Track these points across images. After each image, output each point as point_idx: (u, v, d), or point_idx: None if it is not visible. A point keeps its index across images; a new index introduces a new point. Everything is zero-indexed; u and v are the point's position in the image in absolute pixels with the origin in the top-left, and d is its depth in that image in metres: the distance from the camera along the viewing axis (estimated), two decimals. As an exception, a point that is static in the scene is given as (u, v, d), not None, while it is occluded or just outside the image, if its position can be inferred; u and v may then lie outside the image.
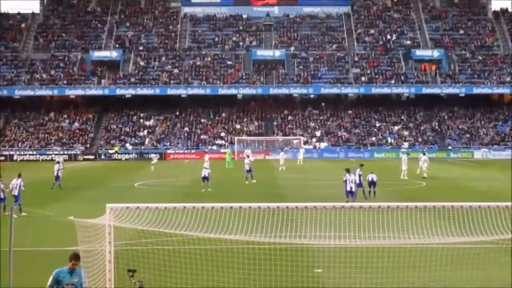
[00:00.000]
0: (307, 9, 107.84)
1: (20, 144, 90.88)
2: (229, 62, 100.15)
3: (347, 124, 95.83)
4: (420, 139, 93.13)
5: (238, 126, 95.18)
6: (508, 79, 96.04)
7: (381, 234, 21.05)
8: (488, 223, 17.49)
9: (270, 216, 19.12)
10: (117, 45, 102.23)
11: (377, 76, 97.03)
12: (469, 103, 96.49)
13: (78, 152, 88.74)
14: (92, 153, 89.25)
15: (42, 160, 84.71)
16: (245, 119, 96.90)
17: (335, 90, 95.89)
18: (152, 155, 75.45)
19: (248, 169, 50.87)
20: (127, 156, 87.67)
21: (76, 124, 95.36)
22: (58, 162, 48.43)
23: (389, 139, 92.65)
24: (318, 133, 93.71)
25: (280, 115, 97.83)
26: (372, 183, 39.26)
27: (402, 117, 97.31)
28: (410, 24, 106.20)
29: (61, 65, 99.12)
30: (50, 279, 12.75)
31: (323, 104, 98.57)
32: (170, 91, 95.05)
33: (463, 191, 42.97)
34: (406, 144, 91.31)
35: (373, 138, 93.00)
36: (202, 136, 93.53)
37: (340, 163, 71.79)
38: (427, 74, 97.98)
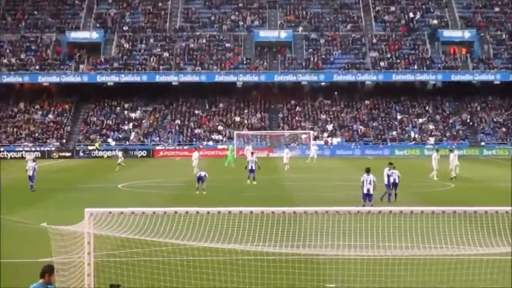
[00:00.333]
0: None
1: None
2: (227, 45, 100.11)
3: (364, 116, 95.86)
4: (448, 134, 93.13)
5: (237, 119, 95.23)
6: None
7: (403, 243, 21.06)
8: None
9: (275, 222, 19.12)
10: (97, 25, 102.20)
11: (398, 61, 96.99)
12: (506, 92, 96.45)
13: (53, 149, 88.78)
14: (69, 149, 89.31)
15: (11, 157, 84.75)
16: (245, 111, 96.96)
17: (349, 77, 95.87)
18: (119, 153, 71.75)
19: (252, 168, 50.83)
20: (109, 153, 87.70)
21: (50, 116, 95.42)
22: (34, 161, 48.66)
23: (412, 134, 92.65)
24: (330, 127, 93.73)
25: (286, 106, 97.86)
26: (393, 185, 39.39)
27: (428, 108, 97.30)
28: (437, 0, 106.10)
29: (33, 47, 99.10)
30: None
31: (336, 93, 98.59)
32: (159, 78, 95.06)
33: (497, 194, 42.94)
34: (432, 140, 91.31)
35: (394, 133, 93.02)
36: (196, 130, 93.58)
37: (356, 161, 71.78)
38: (456, 59, 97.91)
